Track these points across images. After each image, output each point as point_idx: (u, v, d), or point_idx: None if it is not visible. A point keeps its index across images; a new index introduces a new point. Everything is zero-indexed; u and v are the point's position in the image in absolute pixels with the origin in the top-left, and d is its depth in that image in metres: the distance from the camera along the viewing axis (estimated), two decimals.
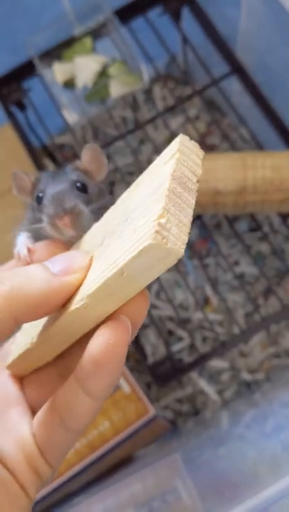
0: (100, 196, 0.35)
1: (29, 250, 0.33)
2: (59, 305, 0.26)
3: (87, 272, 0.26)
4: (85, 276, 0.26)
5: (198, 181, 0.24)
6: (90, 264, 0.26)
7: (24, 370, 0.30)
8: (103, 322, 0.25)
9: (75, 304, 0.25)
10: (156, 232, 0.20)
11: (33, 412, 0.28)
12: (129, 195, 0.28)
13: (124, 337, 0.24)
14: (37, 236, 0.34)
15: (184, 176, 0.23)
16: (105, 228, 0.27)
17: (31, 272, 0.25)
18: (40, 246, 0.32)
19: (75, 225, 0.31)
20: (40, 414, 0.27)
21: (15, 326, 0.25)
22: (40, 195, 0.33)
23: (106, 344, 0.24)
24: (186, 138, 0.25)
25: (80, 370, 0.25)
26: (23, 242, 0.33)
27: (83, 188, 0.34)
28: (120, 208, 0.28)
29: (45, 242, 0.33)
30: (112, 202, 0.30)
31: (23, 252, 0.33)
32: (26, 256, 0.32)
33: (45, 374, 0.29)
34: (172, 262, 0.22)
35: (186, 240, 0.22)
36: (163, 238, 0.21)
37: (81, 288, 0.25)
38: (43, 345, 0.27)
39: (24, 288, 0.24)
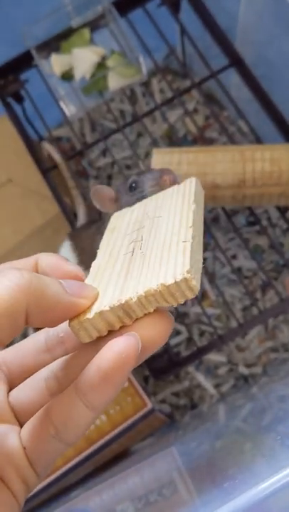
0: None
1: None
2: (61, 319, 0.26)
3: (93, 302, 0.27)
4: (90, 304, 0.27)
5: None
6: (96, 297, 0.27)
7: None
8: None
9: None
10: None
11: (19, 423, 0.28)
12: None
13: (135, 352, 0.25)
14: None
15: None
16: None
17: (48, 280, 0.25)
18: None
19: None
20: (31, 425, 0.27)
21: (23, 324, 0.24)
22: (134, 185, 0.49)
23: (118, 357, 0.24)
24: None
25: (84, 382, 0.25)
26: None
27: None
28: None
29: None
30: None
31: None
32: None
33: (34, 385, 0.28)
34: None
35: None
36: None
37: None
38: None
39: (40, 288, 0.24)
